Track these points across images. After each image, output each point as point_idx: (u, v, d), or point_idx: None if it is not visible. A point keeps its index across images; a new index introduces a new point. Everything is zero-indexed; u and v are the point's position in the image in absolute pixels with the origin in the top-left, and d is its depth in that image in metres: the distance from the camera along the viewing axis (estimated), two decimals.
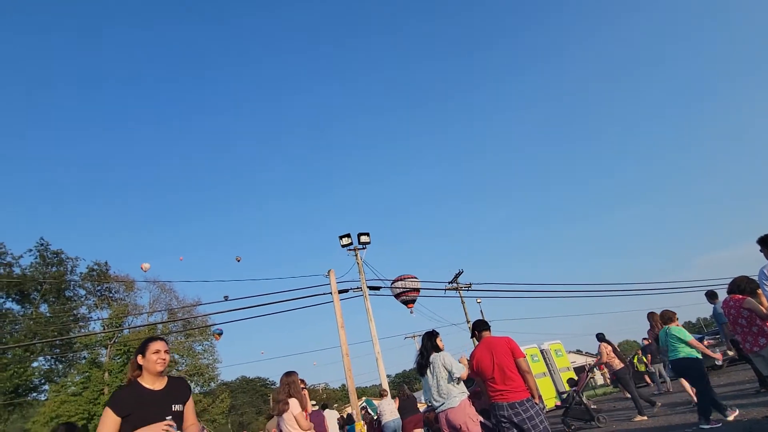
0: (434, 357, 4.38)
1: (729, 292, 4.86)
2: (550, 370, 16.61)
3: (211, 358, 36.87)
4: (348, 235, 17.30)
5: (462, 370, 4.13)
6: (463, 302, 24.94)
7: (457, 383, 4.16)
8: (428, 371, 4.32)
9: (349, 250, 17.37)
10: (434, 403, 4.24)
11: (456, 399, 4.07)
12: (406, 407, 9.95)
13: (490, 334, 4.71)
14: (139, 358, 2.52)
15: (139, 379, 2.47)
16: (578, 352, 47.60)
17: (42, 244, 31.28)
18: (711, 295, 7.88)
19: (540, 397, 4.21)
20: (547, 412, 14.08)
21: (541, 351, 17.10)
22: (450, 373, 4.15)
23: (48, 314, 30.97)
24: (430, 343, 4.48)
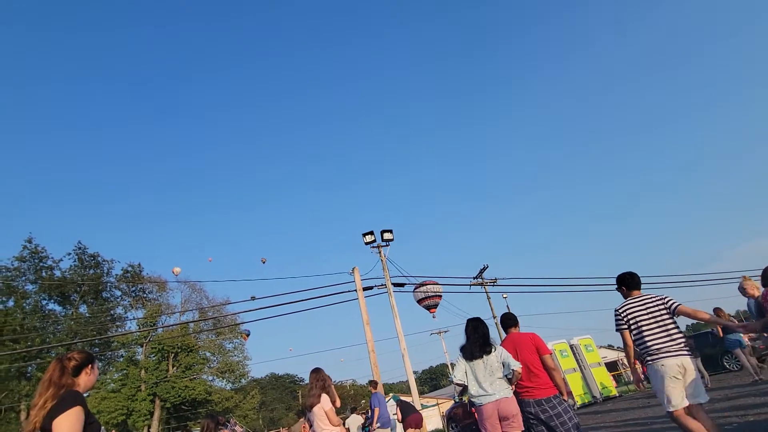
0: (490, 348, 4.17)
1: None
2: (580, 366, 16.23)
3: (241, 355, 37.75)
4: (371, 233, 17.39)
5: (519, 365, 3.94)
6: (488, 298, 24.70)
7: (511, 377, 3.95)
8: (481, 361, 4.05)
9: (373, 247, 17.47)
10: (480, 392, 3.97)
11: (508, 390, 3.92)
12: (406, 408, 10.67)
13: (517, 330, 4.66)
14: (88, 368, 2.33)
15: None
16: (609, 347, 46.37)
17: (80, 248, 32.69)
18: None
19: (570, 393, 4.14)
20: (578, 408, 13.79)
21: (571, 346, 16.71)
22: (505, 365, 3.95)
23: (87, 315, 32.38)
24: (486, 330, 4.24)
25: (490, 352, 4.02)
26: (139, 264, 36.05)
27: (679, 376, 3.63)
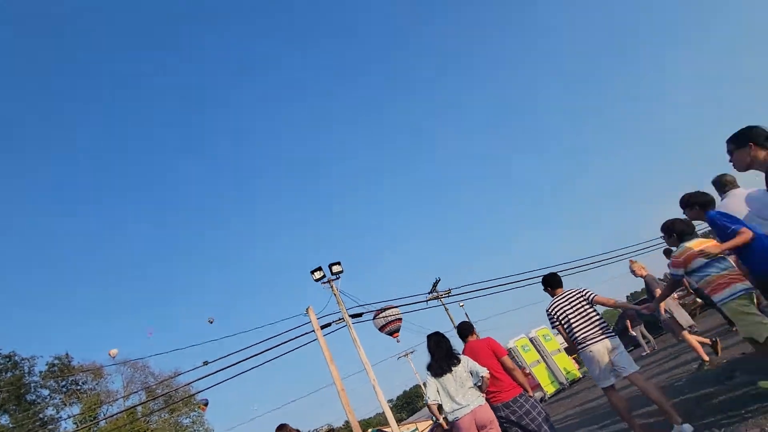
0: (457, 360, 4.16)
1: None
2: (543, 357, 16.82)
3: (202, 428, 34.93)
4: (319, 268, 17.00)
5: (486, 370, 4.02)
6: (446, 309, 24.94)
7: (481, 384, 3.99)
8: (450, 375, 4.04)
9: (324, 282, 17.06)
10: (454, 406, 3.92)
11: (481, 398, 3.93)
12: None
13: (474, 337, 4.76)
14: None
15: None
16: None
17: None
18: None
19: (537, 386, 4.27)
20: (549, 398, 14.20)
21: (531, 339, 17.30)
22: (473, 374, 3.99)
23: (11, 425, 28.25)
24: (449, 343, 4.27)
25: (457, 364, 4.05)
26: (67, 354, 32.46)
27: (607, 357, 4.06)
